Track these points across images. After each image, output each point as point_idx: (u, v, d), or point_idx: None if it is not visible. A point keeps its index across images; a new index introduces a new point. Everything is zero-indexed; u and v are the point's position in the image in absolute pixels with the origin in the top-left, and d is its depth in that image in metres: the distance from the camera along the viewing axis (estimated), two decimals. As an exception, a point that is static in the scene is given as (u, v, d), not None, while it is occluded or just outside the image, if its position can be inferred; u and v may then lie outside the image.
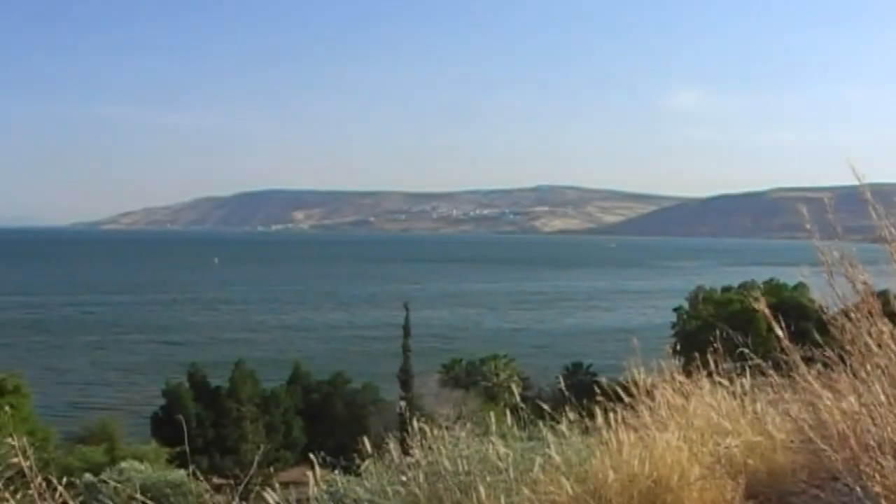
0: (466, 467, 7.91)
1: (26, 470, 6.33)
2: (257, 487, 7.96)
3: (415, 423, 8.49)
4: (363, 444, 8.56)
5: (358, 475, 8.71)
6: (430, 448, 8.31)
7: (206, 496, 7.60)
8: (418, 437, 8.47)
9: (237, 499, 7.65)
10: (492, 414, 9.02)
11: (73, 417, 75.17)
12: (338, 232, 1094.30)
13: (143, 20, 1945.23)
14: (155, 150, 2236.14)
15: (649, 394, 8.59)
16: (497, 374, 78.36)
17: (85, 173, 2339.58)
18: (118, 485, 21.91)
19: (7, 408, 45.89)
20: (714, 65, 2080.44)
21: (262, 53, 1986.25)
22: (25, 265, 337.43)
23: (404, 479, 8.09)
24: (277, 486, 7.64)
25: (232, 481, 9.05)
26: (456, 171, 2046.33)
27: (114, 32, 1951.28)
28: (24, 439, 6.53)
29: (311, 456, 8.43)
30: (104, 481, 30.40)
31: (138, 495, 7.16)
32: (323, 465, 8.38)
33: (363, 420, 62.79)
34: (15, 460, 6.37)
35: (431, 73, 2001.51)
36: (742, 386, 8.71)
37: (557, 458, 7.65)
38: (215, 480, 46.44)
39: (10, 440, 6.54)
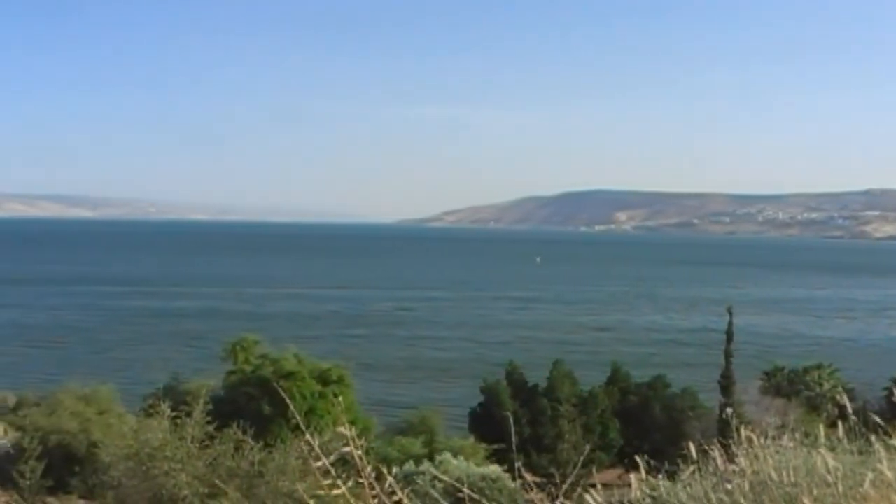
0: (793, 478, 7.72)
1: (356, 458, 6.52)
2: (579, 489, 7.97)
3: (742, 430, 8.34)
4: (687, 449, 8.46)
5: (678, 480, 8.61)
6: (755, 457, 8.15)
7: (532, 493, 7.64)
8: (744, 445, 8.32)
9: (561, 497, 7.69)
10: (821, 425, 8.76)
11: (388, 410, 77.07)
12: (660, 233, 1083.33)
13: (471, 24, 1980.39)
14: (482, 150, 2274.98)
15: None
16: (820, 384, 76.03)
17: (413, 172, 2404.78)
18: (438, 475, 22.37)
19: (339, 398, 47.51)
20: None
21: (587, 55, 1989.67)
22: (349, 260, 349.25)
23: (728, 486, 7.97)
24: (599, 486, 7.62)
25: (553, 480, 9.07)
26: (782, 173, 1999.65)
27: (439, 35, 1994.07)
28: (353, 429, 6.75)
29: (637, 459, 8.39)
30: (422, 472, 31.23)
31: (465, 489, 7.27)
32: (638, 468, 8.32)
33: (681, 425, 62.03)
34: (347, 449, 6.58)
35: (756, 74, 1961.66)
36: None
37: (889, 475, 7.37)
38: (530, 478, 46.76)
39: (341, 429, 6.77)
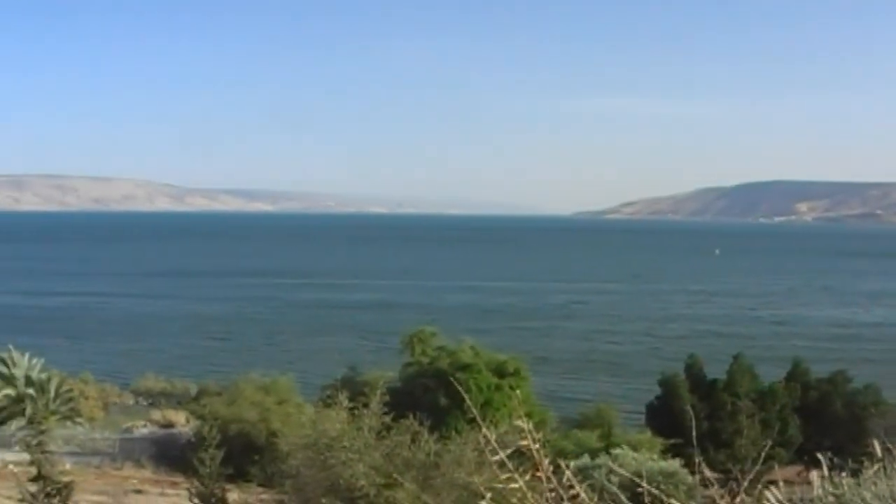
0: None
1: (533, 452, 6.50)
2: (759, 485, 7.83)
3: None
4: (871, 447, 8.24)
5: (861, 479, 8.39)
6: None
7: (712, 489, 7.52)
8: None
9: (742, 493, 7.56)
10: None
11: (564, 403, 76.79)
12: (842, 224, 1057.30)
13: (640, 14, 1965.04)
14: (660, 141, 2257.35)
15: None
16: None
17: (591, 164, 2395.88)
18: (615, 469, 22.22)
19: (516, 391, 47.56)
20: None
21: (768, 46, 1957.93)
22: (524, 253, 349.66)
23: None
24: (781, 484, 7.48)
25: (732, 476, 8.92)
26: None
27: (617, 26, 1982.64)
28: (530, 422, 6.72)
29: (819, 456, 8.21)
30: (598, 466, 31.12)
31: (644, 483, 7.19)
32: (819, 466, 8.15)
33: (863, 422, 60.68)
34: (523, 442, 6.56)
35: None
36: None
37: None
38: (707, 473, 46.19)
39: (518, 421, 6.75)
